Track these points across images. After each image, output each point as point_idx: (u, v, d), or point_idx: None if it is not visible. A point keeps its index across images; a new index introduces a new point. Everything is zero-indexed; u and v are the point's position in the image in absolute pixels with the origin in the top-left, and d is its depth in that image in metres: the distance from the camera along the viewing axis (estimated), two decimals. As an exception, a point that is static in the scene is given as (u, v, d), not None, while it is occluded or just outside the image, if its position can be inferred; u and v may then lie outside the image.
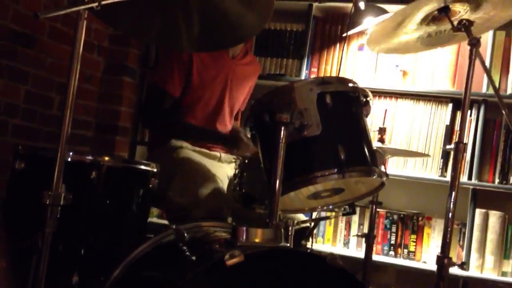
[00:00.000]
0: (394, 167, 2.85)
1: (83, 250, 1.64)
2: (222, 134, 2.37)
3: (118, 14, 1.52)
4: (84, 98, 3.05)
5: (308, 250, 1.90)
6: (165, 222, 2.47)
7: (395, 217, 2.90)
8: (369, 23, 2.69)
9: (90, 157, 1.67)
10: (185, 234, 1.55)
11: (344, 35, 2.88)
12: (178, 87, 2.28)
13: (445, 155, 2.79)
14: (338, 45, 3.02)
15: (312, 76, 3.02)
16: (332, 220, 2.95)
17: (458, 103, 2.79)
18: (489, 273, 2.67)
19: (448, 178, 2.68)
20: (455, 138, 2.73)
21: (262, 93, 1.57)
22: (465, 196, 2.74)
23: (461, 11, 1.78)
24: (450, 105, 2.83)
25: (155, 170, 1.81)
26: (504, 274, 2.68)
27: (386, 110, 2.89)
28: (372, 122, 2.84)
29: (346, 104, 1.58)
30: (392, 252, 2.88)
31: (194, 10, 1.66)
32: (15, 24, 2.53)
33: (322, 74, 2.99)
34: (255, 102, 1.60)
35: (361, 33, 2.92)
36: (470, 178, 2.73)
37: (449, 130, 2.81)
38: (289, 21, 3.11)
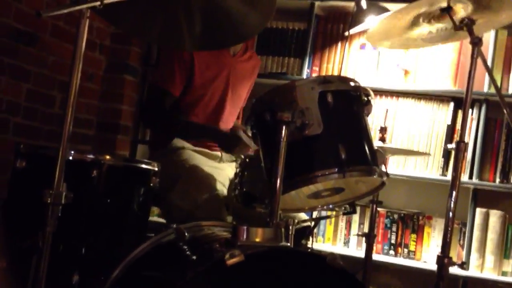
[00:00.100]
0: (395, 166, 2.85)
1: (83, 249, 1.64)
2: (223, 132, 2.36)
3: (120, 12, 1.52)
4: (86, 96, 3.05)
5: (309, 250, 1.90)
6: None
7: (396, 216, 2.89)
8: (371, 22, 2.69)
9: (91, 156, 1.67)
10: (186, 234, 1.56)
11: (346, 34, 2.87)
12: (179, 86, 2.28)
13: (446, 154, 2.79)
14: (339, 44, 3.01)
15: (314, 75, 3.01)
16: (333, 220, 2.95)
17: (460, 102, 2.78)
18: (489, 273, 2.67)
19: (448, 177, 2.66)
20: (456, 137, 2.70)
21: (264, 92, 1.57)
22: (465, 195, 2.74)
23: (462, 11, 1.78)
24: (452, 104, 2.82)
25: (156, 169, 1.81)
26: (504, 274, 2.68)
27: (387, 109, 2.88)
28: (373, 121, 2.84)
29: (348, 103, 1.58)
30: (392, 252, 2.88)
31: (196, 9, 1.65)
32: (18, 23, 2.53)
33: (323, 73, 2.99)
34: (256, 101, 1.59)
35: (363, 32, 2.91)
36: (471, 177, 2.73)
37: (450, 129, 2.80)
38: (291, 19, 3.10)
